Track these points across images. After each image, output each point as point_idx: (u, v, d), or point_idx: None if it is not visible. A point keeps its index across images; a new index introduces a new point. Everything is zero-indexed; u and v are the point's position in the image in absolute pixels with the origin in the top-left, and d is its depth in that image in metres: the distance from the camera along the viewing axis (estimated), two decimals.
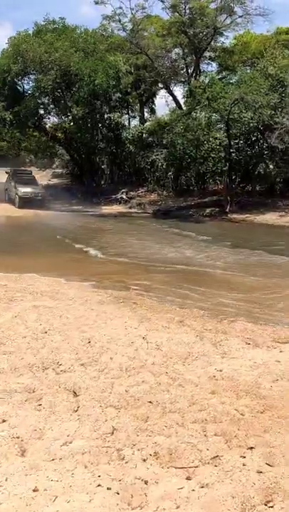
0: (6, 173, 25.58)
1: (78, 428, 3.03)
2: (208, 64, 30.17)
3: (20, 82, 28.10)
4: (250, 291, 7.93)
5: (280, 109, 21.60)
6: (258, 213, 21.63)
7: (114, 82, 25.96)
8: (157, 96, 32.96)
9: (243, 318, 6.00)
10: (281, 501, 2.34)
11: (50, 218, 20.23)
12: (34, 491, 2.38)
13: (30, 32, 27.10)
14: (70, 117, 27.46)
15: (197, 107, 23.51)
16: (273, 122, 21.51)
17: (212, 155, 23.91)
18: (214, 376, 3.98)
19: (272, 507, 2.30)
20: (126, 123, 31.39)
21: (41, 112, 28.96)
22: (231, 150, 24.17)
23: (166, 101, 31.23)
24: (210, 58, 29.52)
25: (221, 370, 4.11)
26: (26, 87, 28.48)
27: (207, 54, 28.86)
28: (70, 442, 2.86)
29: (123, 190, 27.68)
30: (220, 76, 26.89)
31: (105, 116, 28.84)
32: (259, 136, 24.63)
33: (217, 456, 2.72)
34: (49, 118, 29.78)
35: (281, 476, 2.54)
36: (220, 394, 3.62)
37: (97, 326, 5.51)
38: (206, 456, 2.72)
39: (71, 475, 2.53)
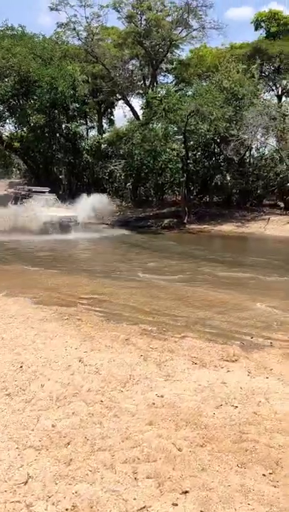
0: (15, 194, 20.98)
1: None
2: (164, 76, 30.42)
3: None
4: (203, 304, 7.66)
5: (234, 122, 21.90)
6: (216, 224, 21.74)
7: (71, 91, 25.60)
8: (116, 107, 32.86)
9: (192, 333, 5.69)
10: None
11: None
12: None
13: None
14: (27, 126, 26.79)
15: (154, 118, 23.48)
16: (229, 134, 21.77)
17: (170, 166, 23.89)
18: (154, 403, 3.62)
19: None
20: (84, 133, 31.01)
21: None
22: (189, 161, 24.30)
23: (124, 112, 31.17)
24: (166, 70, 29.75)
25: (162, 396, 3.76)
26: None
27: (164, 66, 29.06)
28: None
29: None
30: (176, 88, 27.09)
31: (63, 125, 28.37)
32: (216, 147, 24.91)
33: (144, 507, 2.35)
34: (4, 126, 28.98)
35: None
36: (158, 425, 3.26)
37: (34, 347, 5.05)
38: (131, 508, 2.34)
39: None
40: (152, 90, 25.91)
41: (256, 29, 29.26)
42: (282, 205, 23.57)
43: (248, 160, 25.74)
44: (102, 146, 29.06)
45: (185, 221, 22.10)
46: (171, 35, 25.56)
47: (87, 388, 3.90)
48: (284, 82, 27.51)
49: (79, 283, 9.18)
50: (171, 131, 24.07)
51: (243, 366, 4.54)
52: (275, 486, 2.55)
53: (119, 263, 12.36)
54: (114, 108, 33.12)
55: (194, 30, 26.30)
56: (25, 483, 2.55)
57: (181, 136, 23.29)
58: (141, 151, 23.68)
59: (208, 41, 30.42)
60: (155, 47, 26.50)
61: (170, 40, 26.01)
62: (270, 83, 28.76)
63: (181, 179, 24.14)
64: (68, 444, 2.98)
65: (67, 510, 2.32)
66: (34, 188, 21.36)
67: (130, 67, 28.62)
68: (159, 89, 25.47)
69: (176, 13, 25.73)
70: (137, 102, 30.23)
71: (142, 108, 27.43)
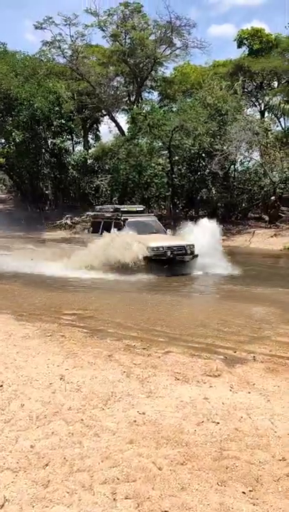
0: (95, 218, 14.66)
1: None
2: (149, 92, 30.91)
3: None
4: (188, 318, 7.66)
5: (218, 137, 22.26)
6: None
7: (56, 108, 25.81)
8: (101, 122, 33.18)
9: (176, 348, 5.67)
10: None
11: None
12: None
13: None
14: (11, 142, 26.85)
15: (139, 134, 23.75)
16: (213, 149, 22.09)
17: (155, 180, 24.12)
18: (135, 421, 3.58)
19: None
20: (70, 148, 31.18)
21: None
22: (174, 176, 24.54)
23: (110, 127, 31.48)
24: (151, 87, 30.24)
25: (143, 413, 3.73)
26: None
27: (148, 83, 29.55)
28: None
29: (68, 215, 27.21)
30: (161, 104, 27.49)
31: (48, 141, 28.49)
32: (201, 162, 25.23)
33: None
34: None
35: None
36: (138, 443, 3.23)
37: (15, 365, 4.98)
38: None
39: None
40: (137, 106, 26.26)
41: (239, 46, 30.00)
42: (266, 218, 23.86)
43: (232, 174, 26.10)
44: (88, 161, 29.23)
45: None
46: (155, 54, 26.05)
47: (68, 407, 3.85)
48: (266, 98, 28.13)
49: None
50: (156, 147, 24.37)
51: (226, 381, 4.53)
52: (254, 504, 2.53)
53: None
54: (99, 124, 33.46)
55: (178, 48, 26.88)
56: (1, 506, 2.49)
57: (166, 151, 23.58)
58: (126, 166, 23.88)
59: (191, 59, 31.12)
60: (139, 65, 26.97)
61: (154, 58, 26.50)
62: (253, 99, 29.40)
63: (167, 193, 24.36)
64: (47, 465, 2.93)
65: None
66: (123, 207, 15.24)
67: (115, 84, 29.07)
68: (143, 106, 25.83)
69: (159, 32, 26.27)
70: (122, 118, 30.64)
71: (127, 123, 27.77)
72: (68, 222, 26.55)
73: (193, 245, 12.44)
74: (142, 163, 23.39)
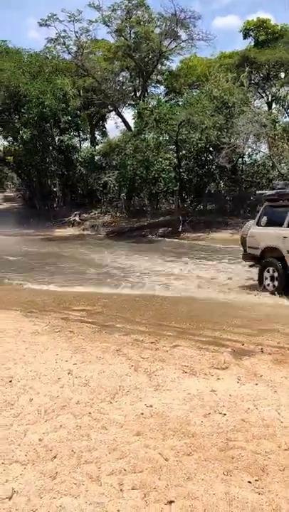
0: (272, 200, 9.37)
1: None
2: (155, 87, 30.77)
3: None
4: (196, 312, 7.67)
5: (225, 130, 22.11)
6: (210, 232, 21.81)
7: (63, 105, 25.85)
8: (108, 118, 33.17)
9: (184, 342, 5.69)
10: None
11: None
12: None
13: None
14: (19, 140, 26.98)
15: (145, 129, 23.69)
16: (220, 142, 21.97)
17: (163, 175, 24.06)
18: (142, 414, 3.61)
19: None
20: (77, 145, 31.23)
21: None
22: (181, 170, 24.46)
23: (116, 123, 31.46)
24: (157, 81, 30.11)
25: (150, 406, 3.75)
26: None
27: (154, 77, 29.41)
28: None
29: (76, 212, 27.32)
30: (167, 98, 27.36)
31: (56, 138, 28.57)
32: (208, 156, 25.11)
33: None
34: None
35: None
36: (145, 435, 3.26)
37: (24, 360, 5.04)
38: None
39: None
40: (143, 101, 26.18)
41: (245, 38, 29.72)
42: None
43: (240, 167, 25.96)
44: (96, 157, 29.25)
45: (179, 230, 22.18)
46: (160, 47, 25.92)
47: (76, 400, 3.89)
48: (273, 89, 27.86)
49: None
50: (163, 141, 24.28)
51: (233, 373, 4.54)
52: (259, 493, 2.54)
53: None
54: (106, 120, 33.43)
55: (183, 41, 26.70)
56: (10, 498, 2.54)
57: (173, 146, 23.50)
58: (134, 161, 23.86)
59: (197, 51, 30.83)
60: (145, 59, 26.85)
61: (159, 52, 26.37)
62: (260, 91, 29.13)
63: (175, 188, 24.31)
64: (54, 457, 2.97)
65: None
66: None
67: (121, 79, 29.00)
68: (149, 100, 25.73)
69: (164, 25, 26.11)
70: (128, 113, 30.60)
71: (134, 119, 27.70)
72: (77, 219, 26.67)
73: None
74: (149, 158, 23.35)
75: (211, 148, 23.66)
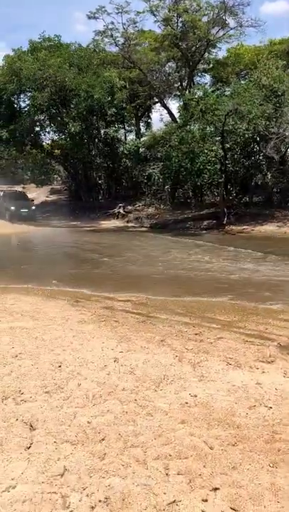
0: None
1: (26, 469, 2.73)
2: (201, 76, 30.33)
3: (16, 100, 28.35)
4: (241, 305, 7.61)
5: (274, 120, 21.49)
6: (256, 224, 21.38)
7: (109, 98, 26.08)
8: (153, 110, 33.11)
9: (228, 335, 5.68)
10: None
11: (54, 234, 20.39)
12: None
13: (26, 50, 27.41)
14: (66, 134, 27.52)
15: (191, 120, 23.45)
16: (268, 132, 21.39)
17: (208, 167, 23.76)
18: (187, 403, 3.67)
19: None
20: (122, 137, 31.44)
21: (37, 129, 29.13)
22: (227, 161, 24.04)
23: (161, 114, 31.33)
24: (203, 71, 29.66)
25: (195, 396, 3.81)
26: (22, 104, 28.74)
27: (200, 67, 28.99)
28: (13, 487, 2.56)
29: (120, 204, 27.58)
30: (213, 88, 26.89)
31: (101, 131, 28.91)
32: (255, 146, 24.53)
33: (174, 501, 2.41)
34: (45, 135, 29.93)
35: None
36: (190, 423, 3.32)
37: (72, 348, 5.23)
38: (162, 502, 2.41)
39: None
40: (189, 92, 25.89)
41: None
42: None
43: None
44: (140, 149, 29.33)
45: (224, 222, 21.89)
46: (208, 36, 25.48)
47: (122, 387, 4.00)
48: None
49: None
50: (209, 132, 23.94)
51: (279, 367, 4.50)
52: None
53: None
54: (151, 111, 33.38)
55: (231, 29, 26.09)
56: (62, 475, 2.68)
57: (219, 137, 23.12)
58: (178, 153, 23.72)
59: (245, 39, 30.06)
60: (192, 48, 26.50)
61: (207, 41, 25.94)
62: None
63: (220, 180, 23.96)
64: (103, 439, 3.09)
65: (100, 501, 2.43)
66: None
67: (167, 69, 28.75)
68: (196, 91, 25.39)
69: (212, 13, 25.62)
70: (173, 105, 30.39)
71: (179, 110, 27.48)
72: (121, 211, 26.93)
73: None
74: (195, 150, 23.11)
75: (258, 139, 23.07)
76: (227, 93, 25.35)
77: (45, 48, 26.31)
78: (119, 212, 26.85)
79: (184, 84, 28.72)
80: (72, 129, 25.18)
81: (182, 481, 2.62)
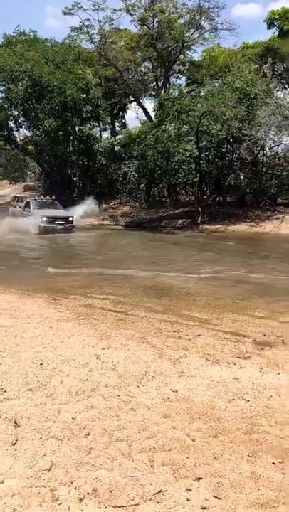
0: None
1: (13, 465, 2.77)
2: (177, 77, 30.56)
3: None
4: (217, 304, 7.79)
5: (247, 122, 21.93)
6: (229, 224, 21.78)
7: (84, 95, 25.95)
8: (128, 109, 33.13)
9: (206, 332, 5.83)
10: None
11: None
12: None
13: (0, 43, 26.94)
14: (41, 130, 27.22)
15: (166, 119, 23.64)
16: (242, 134, 21.81)
17: (183, 166, 24.04)
18: (168, 398, 3.78)
19: None
20: (97, 135, 31.34)
21: (11, 124, 28.68)
22: (202, 161, 24.38)
23: (137, 113, 31.44)
24: (179, 72, 29.90)
25: (176, 391, 3.92)
26: None
27: (176, 67, 29.22)
28: (1, 482, 2.60)
29: (95, 202, 27.49)
30: (189, 89, 27.17)
31: (76, 128, 28.73)
32: (229, 147, 24.95)
33: (160, 491, 2.51)
34: (19, 130, 29.50)
35: (227, 510, 2.35)
36: (172, 417, 3.42)
37: (53, 345, 5.25)
38: (148, 492, 2.51)
39: None
40: (165, 92, 26.08)
41: (269, 27, 29.18)
42: None
43: (261, 159, 25.71)
44: (116, 148, 29.32)
45: (198, 221, 22.19)
46: (183, 37, 25.72)
47: (105, 384, 4.07)
48: None
49: None
50: (184, 132, 24.19)
51: (256, 363, 4.67)
52: (284, 474, 2.68)
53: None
54: (126, 110, 33.40)
55: (206, 31, 26.43)
56: (49, 469, 2.73)
57: (194, 137, 23.40)
58: (154, 152, 23.87)
59: (220, 42, 30.46)
60: (167, 49, 26.69)
61: (182, 42, 26.17)
62: (283, 82, 28.68)
63: (194, 179, 24.25)
64: (88, 434, 3.16)
65: (88, 493, 2.50)
66: None
67: (143, 69, 28.86)
68: (171, 91, 25.61)
69: (188, 15, 25.88)
70: (149, 104, 30.52)
71: (155, 110, 27.63)
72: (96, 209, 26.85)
73: None
74: (170, 149, 23.33)
75: (231, 140, 23.48)
76: (202, 94, 25.67)
77: (20, 42, 25.93)
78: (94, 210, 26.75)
79: (160, 84, 28.90)
80: (48, 125, 24.93)
81: (167, 472, 2.72)
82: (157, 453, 2.93)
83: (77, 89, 24.91)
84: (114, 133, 31.82)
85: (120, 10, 26.16)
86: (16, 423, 3.32)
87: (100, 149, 29.31)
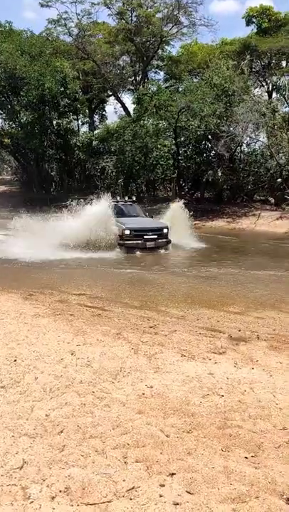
0: None
1: None
2: (155, 72, 30.52)
3: None
4: (194, 299, 7.83)
5: (225, 118, 22.07)
6: (207, 220, 21.92)
7: (61, 88, 25.62)
8: (107, 103, 32.91)
9: (182, 327, 5.85)
10: None
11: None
12: None
13: None
14: (17, 123, 26.75)
15: (145, 115, 23.58)
16: (219, 131, 21.94)
17: (161, 162, 24.05)
18: (143, 394, 3.77)
19: None
20: (76, 129, 31.03)
21: None
22: (180, 157, 24.44)
23: (115, 108, 31.25)
24: (157, 67, 29.86)
25: (151, 387, 3.92)
26: None
27: (154, 62, 29.17)
28: None
29: (73, 197, 27.24)
30: (167, 84, 27.17)
31: (54, 122, 28.36)
32: (207, 144, 25.08)
33: (133, 487, 2.50)
34: None
35: (200, 505, 2.36)
36: (147, 413, 3.42)
37: (27, 341, 5.18)
38: (121, 489, 2.49)
39: None
40: (143, 87, 26.00)
41: (248, 24, 29.42)
42: (272, 200, 23.81)
43: (238, 156, 25.94)
44: (94, 142, 29.10)
45: None
46: (161, 32, 25.68)
47: (80, 380, 4.04)
48: (274, 78, 27.71)
49: None
50: (162, 128, 24.19)
51: (230, 358, 4.71)
52: (256, 468, 2.71)
53: None
54: (105, 104, 33.17)
55: (184, 26, 26.45)
56: (21, 468, 2.69)
57: (172, 133, 23.43)
58: (132, 147, 23.79)
59: (198, 37, 30.55)
60: (146, 43, 26.61)
61: (161, 37, 26.13)
62: (261, 79, 28.97)
63: (173, 175, 24.31)
64: (61, 431, 3.12)
65: (60, 491, 2.47)
66: None
67: (121, 63, 28.72)
68: (149, 86, 25.55)
69: (166, 10, 25.83)
70: (127, 99, 30.37)
71: (133, 104, 27.52)
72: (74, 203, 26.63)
73: None
74: (148, 145, 23.30)
75: (209, 136, 23.61)
76: (180, 90, 25.70)
77: None
78: (71, 205, 26.51)
79: (138, 78, 28.80)
80: (24, 118, 24.52)
81: (140, 468, 2.72)
82: (131, 449, 2.92)
83: (55, 82, 24.56)
84: (92, 127, 31.56)
85: (98, 4, 25.93)
86: None
87: (78, 144, 29.04)
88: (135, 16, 25.99)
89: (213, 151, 24.37)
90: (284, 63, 28.29)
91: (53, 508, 2.33)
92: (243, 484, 2.56)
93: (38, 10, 70.79)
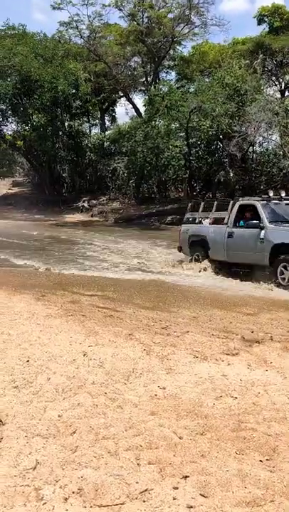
0: None
1: None
2: (167, 73, 30.52)
3: None
4: (207, 300, 7.79)
5: (237, 118, 21.95)
6: None
7: (74, 90, 25.76)
8: (118, 104, 32.99)
9: (194, 328, 5.82)
10: None
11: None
12: None
13: None
14: (30, 125, 26.97)
15: (156, 115, 23.57)
16: (231, 130, 21.83)
17: (172, 163, 24.01)
18: (156, 395, 3.75)
19: None
20: (87, 131, 31.17)
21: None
22: (191, 158, 24.37)
23: (126, 109, 31.30)
24: (169, 67, 29.85)
25: (164, 388, 3.89)
26: None
27: (166, 63, 29.17)
28: None
29: (84, 198, 27.41)
30: (178, 85, 27.13)
31: (66, 124, 28.53)
32: (218, 144, 24.97)
33: (146, 489, 2.48)
34: (7, 125, 29.20)
35: (214, 509, 2.33)
36: (159, 415, 3.39)
37: (40, 342, 5.19)
38: (134, 491, 2.47)
39: None
40: (154, 87, 25.98)
41: (259, 23, 29.25)
42: None
43: (251, 156, 25.79)
44: (105, 143, 29.19)
45: None
46: (173, 33, 25.65)
47: (92, 381, 4.03)
48: (287, 77, 27.50)
49: None
50: (174, 128, 24.16)
51: (244, 359, 4.66)
52: (271, 471, 2.67)
53: None
54: (116, 106, 33.26)
55: (196, 26, 26.38)
56: (34, 468, 2.68)
57: (184, 133, 23.38)
58: (144, 148, 23.80)
59: (210, 37, 30.48)
60: (157, 44, 26.60)
61: (172, 37, 26.09)
62: (273, 78, 28.77)
63: (184, 176, 24.26)
64: (74, 432, 3.11)
65: (73, 493, 2.46)
66: None
67: (132, 64, 28.76)
68: (161, 86, 25.53)
69: (177, 10, 25.79)
70: (139, 100, 30.39)
71: (145, 105, 27.52)
72: (85, 205, 26.79)
73: None
74: (160, 146, 23.29)
75: (221, 136, 23.51)
76: (191, 90, 25.63)
77: (9, 36, 25.61)
78: (83, 206, 26.70)
79: (150, 79, 28.81)
80: (37, 120, 24.70)
81: (153, 470, 2.69)
82: (144, 451, 2.90)
83: (68, 85, 24.70)
84: (103, 128, 31.65)
85: (109, 5, 26.04)
86: (0, 421, 3.26)
87: (90, 145, 29.16)
88: (146, 17, 26.01)
89: (225, 151, 24.24)
90: None
91: (66, 510, 2.32)
92: (258, 488, 2.52)
93: (47, 11, 71.09)
